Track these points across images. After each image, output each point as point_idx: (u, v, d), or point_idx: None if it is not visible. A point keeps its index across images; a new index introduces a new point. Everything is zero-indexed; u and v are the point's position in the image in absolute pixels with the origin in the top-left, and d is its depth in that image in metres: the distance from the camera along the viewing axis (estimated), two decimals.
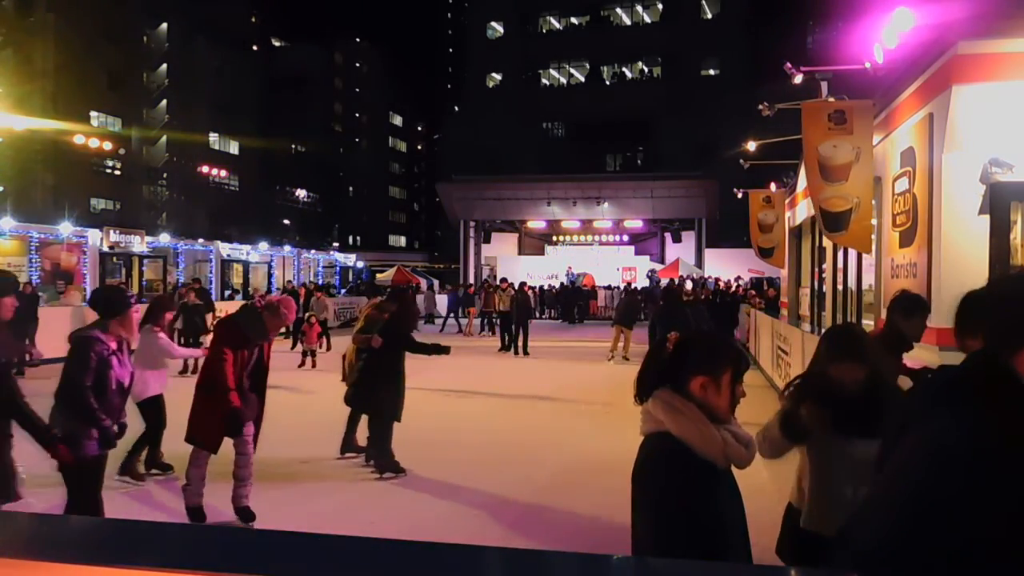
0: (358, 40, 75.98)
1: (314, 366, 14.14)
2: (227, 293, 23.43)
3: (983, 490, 1.31)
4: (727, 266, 33.39)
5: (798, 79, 9.86)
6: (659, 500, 2.01)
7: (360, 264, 38.05)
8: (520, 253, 39.38)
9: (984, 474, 1.31)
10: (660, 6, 49.76)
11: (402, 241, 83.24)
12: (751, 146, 17.04)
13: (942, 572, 1.32)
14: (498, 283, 21.61)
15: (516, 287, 19.09)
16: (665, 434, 2.03)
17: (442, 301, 27.47)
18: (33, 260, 17.08)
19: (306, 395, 11.07)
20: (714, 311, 17.38)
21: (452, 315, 25.08)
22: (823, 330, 10.12)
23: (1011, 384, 1.38)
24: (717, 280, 30.03)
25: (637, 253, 37.52)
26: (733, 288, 26.47)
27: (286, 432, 8.14)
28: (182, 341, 12.62)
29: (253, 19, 62.79)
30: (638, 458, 2.12)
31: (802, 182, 12.56)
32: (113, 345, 4.27)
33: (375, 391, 6.76)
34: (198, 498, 5.52)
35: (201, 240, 25.86)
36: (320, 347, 16.24)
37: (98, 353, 4.15)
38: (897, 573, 1.34)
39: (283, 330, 14.04)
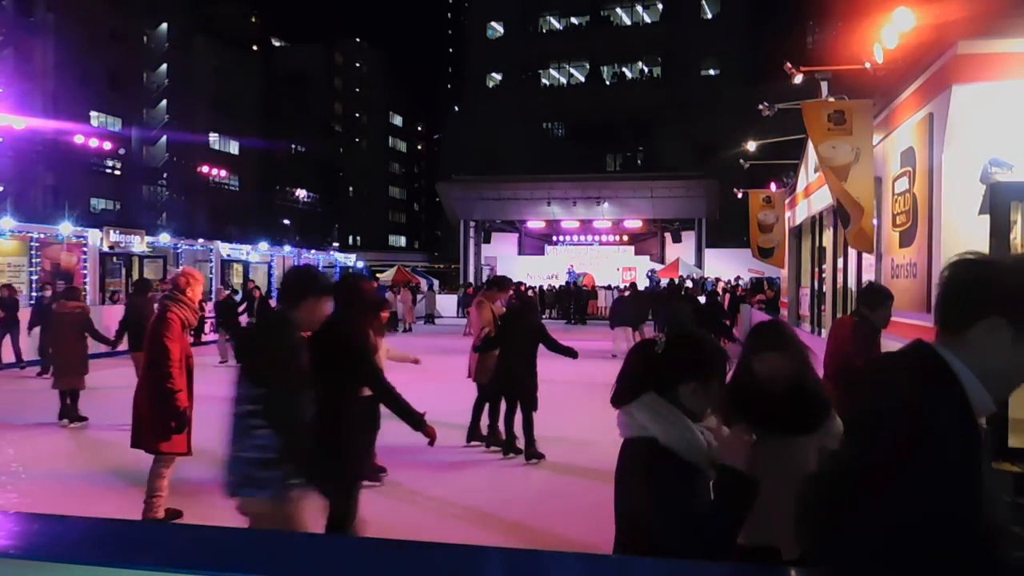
0: (358, 40, 75.99)
1: None
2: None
3: (940, 473, 1.32)
4: (727, 266, 33.40)
5: (798, 79, 9.87)
6: (648, 503, 2.03)
7: (360, 264, 38.01)
8: (520, 253, 39.38)
9: (938, 455, 1.32)
10: (660, 6, 49.77)
11: (402, 241, 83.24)
12: (751, 146, 17.05)
13: (916, 558, 1.33)
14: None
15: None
16: (651, 440, 2.03)
17: (443, 301, 27.41)
18: (33, 260, 17.06)
19: None
20: (699, 308, 17.80)
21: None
22: (825, 329, 10.12)
23: (941, 368, 1.40)
24: (717, 280, 30.04)
25: (637, 253, 37.52)
26: (732, 286, 26.45)
27: None
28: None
29: (253, 19, 62.79)
30: (623, 462, 2.13)
31: (802, 182, 12.55)
32: None
33: (523, 383, 7.26)
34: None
35: (201, 240, 25.84)
36: None
37: None
38: (882, 562, 1.33)
39: None
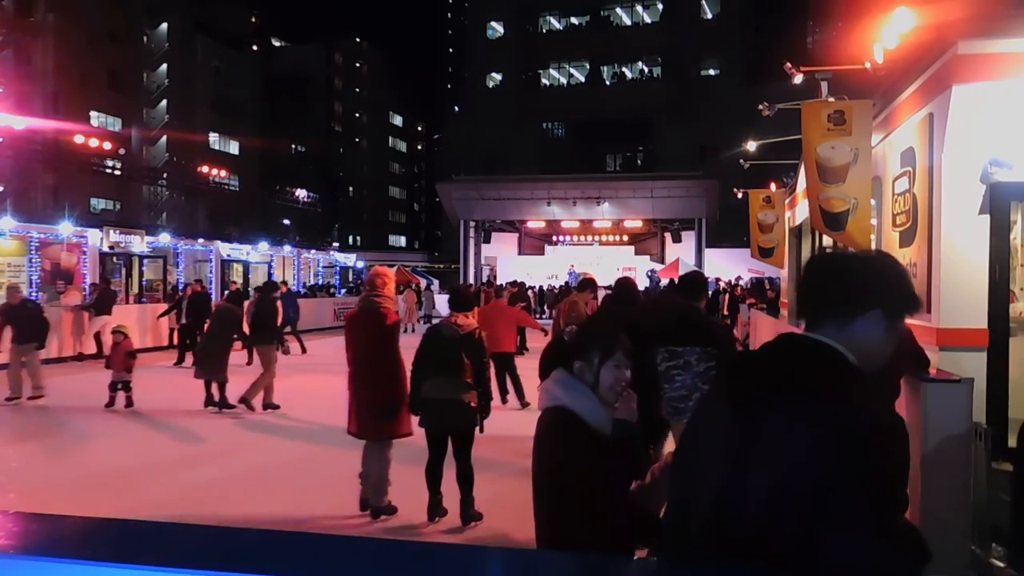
0: (358, 40, 75.99)
1: (128, 404, 9.84)
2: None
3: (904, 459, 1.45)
4: (727, 266, 33.40)
5: (798, 79, 9.87)
6: (556, 465, 2.34)
7: (360, 264, 38.03)
8: (520, 253, 39.39)
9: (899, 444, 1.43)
10: (660, 6, 49.78)
11: (402, 241, 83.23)
12: (751, 146, 17.06)
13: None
14: (489, 284, 21.65)
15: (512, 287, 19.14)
16: (562, 408, 2.37)
17: (443, 301, 27.34)
18: (33, 260, 17.07)
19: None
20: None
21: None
22: None
23: (848, 366, 1.51)
24: (718, 280, 30.04)
25: (637, 253, 37.52)
26: (732, 286, 26.47)
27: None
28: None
29: (253, 19, 62.79)
30: (538, 429, 2.44)
31: (802, 182, 12.56)
32: None
33: None
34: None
35: (201, 240, 25.86)
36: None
37: None
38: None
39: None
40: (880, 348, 1.55)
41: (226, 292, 15.69)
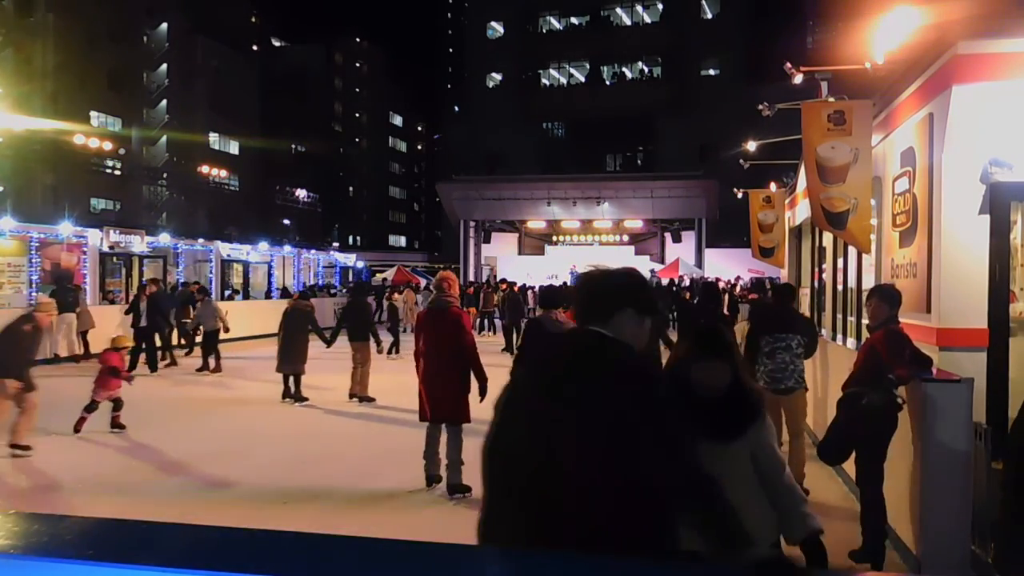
0: (358, 40, 75.98)
1: (120, 426, 8.50)
2: (227, 293, 23.44)
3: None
4: (727, 266, 33.41)
5: (798, 79, 9.87)
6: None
7: (360, 264, 38.01)
8: (520, 253, 39.41)
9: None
10: (660, 6, 49.77)
11: (402, 241, 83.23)
12: (751, 146, 17.06)
13: None
14: (497, 283, 21.74)
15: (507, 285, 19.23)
16: None
17: None
18: (33, 260, 17.06)
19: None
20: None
21: None
22: (825, 330, 10.11)
23: (617, 341, 2.10)
24: (717, 280, 30.08)
25: (637, 253, 37.54)
26: (731, 285, 26.52)
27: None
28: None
29: (253, 19, 62.82)
30: None
31: (802, 182, 12.55)
32: None
33: None
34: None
35: (201, 240, 25.84)
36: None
37: None
38: None
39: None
40: (635, 333, 2.12)
41: (297, 291, 17.48)
